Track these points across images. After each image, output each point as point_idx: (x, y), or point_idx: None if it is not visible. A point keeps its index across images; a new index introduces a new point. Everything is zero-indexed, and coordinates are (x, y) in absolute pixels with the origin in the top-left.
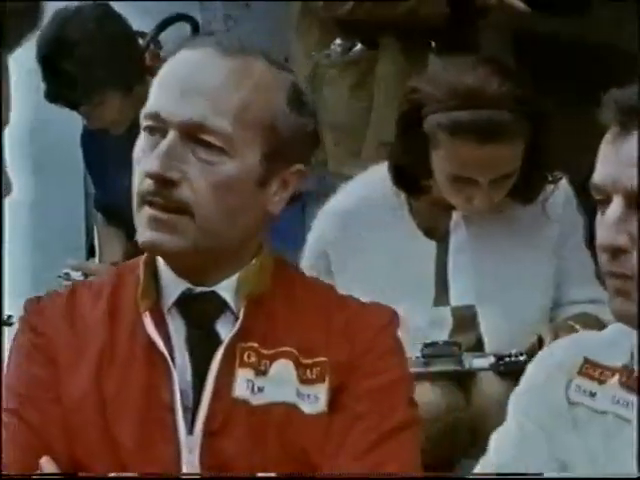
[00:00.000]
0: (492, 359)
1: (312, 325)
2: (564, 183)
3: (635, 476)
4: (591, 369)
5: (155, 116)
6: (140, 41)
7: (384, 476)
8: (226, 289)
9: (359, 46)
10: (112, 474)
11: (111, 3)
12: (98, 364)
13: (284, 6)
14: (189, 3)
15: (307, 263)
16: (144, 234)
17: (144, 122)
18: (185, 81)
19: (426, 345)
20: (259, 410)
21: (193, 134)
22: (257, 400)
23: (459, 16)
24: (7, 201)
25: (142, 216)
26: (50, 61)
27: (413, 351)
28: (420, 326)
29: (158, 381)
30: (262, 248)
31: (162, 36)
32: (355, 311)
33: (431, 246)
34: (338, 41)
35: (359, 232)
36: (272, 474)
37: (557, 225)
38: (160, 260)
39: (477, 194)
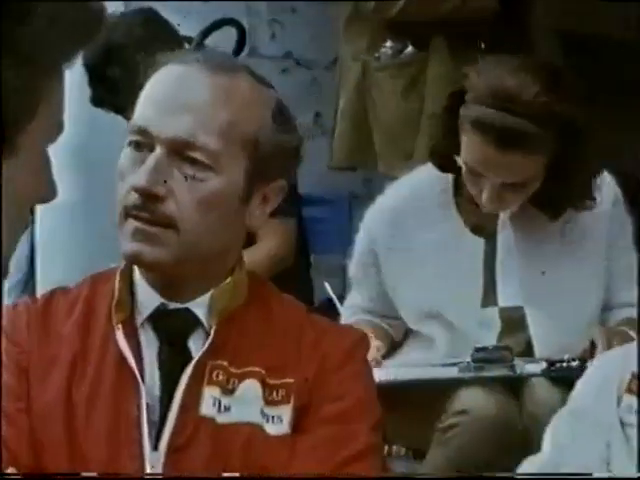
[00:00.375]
0: (544, 364)
1: (283, 344)
2: (613, 184)
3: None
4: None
5: (142, 131)
6: (186, 46)
7: None
8: (199, 306)
9: (410, 48)
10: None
11: (157, 8)
12: (69, 374)
13: (330, 10)
14: (235, 8)
15: (355, 262)
16: (127, 245)
17: (130, 136)
18: (173, 97)
19: (477, 350)
20: (224, 429)
21: (180, 150)
22: (223, 419)
23: (507, 11)
24: (52, 204)
25: (126, 228)
26: (96, 66)
27: (463, 354)
28: (468, 327)
29: (126, 395)
30: (238, 264)
31: (208, 41)
32: (325, 332)
33: (479, 243)
34: (389, 43)
35: (406, 229)
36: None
37: (606, 226)
38: (137, 273)
39: (486, 192)
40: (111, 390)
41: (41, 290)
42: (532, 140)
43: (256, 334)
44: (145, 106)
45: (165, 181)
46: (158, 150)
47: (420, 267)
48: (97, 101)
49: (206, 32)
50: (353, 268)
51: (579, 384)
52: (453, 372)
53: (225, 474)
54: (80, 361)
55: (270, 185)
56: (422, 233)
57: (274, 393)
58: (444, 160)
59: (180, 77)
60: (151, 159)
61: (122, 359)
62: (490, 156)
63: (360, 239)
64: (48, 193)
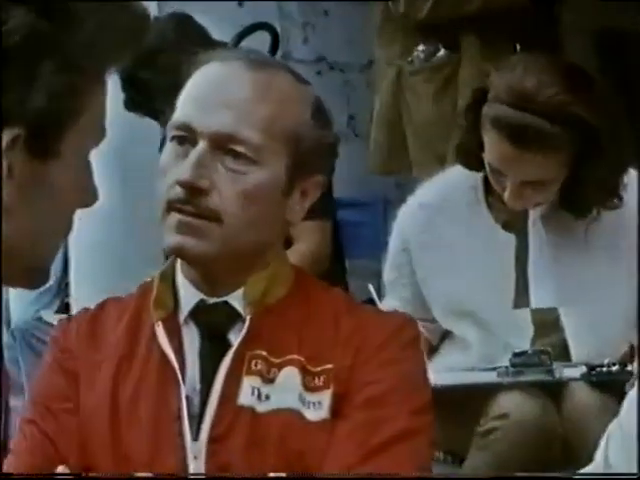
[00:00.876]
0: (584, 369)
1: (322, 331)
2: None
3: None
4: None
5: (185, 126)
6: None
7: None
8: (238, 298)
9: (442, 51)
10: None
11: (190, 12)
12: (115, 375)
13: (363, 13)
14: (268, 11)
15: (389, 263)
16: (171, 238)
17: (173, 132)
18: (215, 93)
19: (515, 354)
20: (263, 417)
21: (223, 144)
22: (262, 407)
23: (539, 9)
24: (91, 212)
25: (170, 221)
26: (129, 71)
27: (497, 357)
28: (501, 329)
29: (168, 390)
30: (278, 258)
31: (242, 45)
32: (365, 318)
33: (510, 239)
34: (421, 47)
35: (438, 227)
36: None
37: (636, 224)
38: (179, 271)
39: (508, 189)
40: (154, 387)
41: (74, 296)
42: (550, 139)
43: (295, 323)
44: (187, 103)
45: (208, 175)
46: (201, 144)
47: (452, 264)
48: (130, 105)
49: (240, 36)
50: (387, 270)
51: (629, 401)
52: (492, 377)
53: (271, 474)
54: (126, 362)
55: (309, 180)
56: (454, 230)
57: (316, 379)
58: (470, 158)
59: (221, 74)
60: (194, 153)
61: (164, 356)
62: (509, 154)
63: (393, 239)
64: (90, 198)
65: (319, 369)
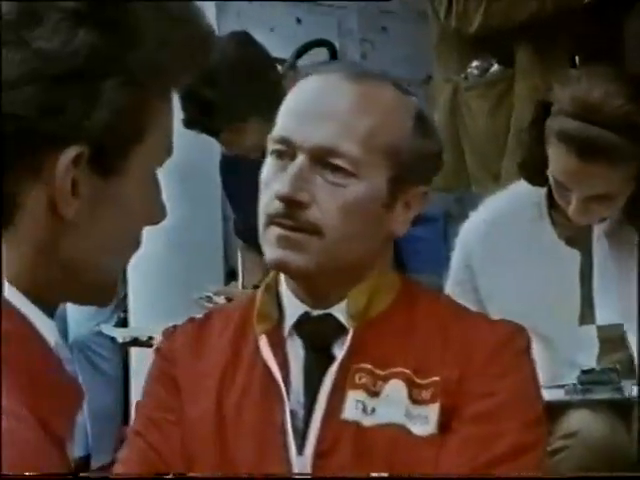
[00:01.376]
0: None
1: (428, 343)
2: None
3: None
4: None
5: (285, 140)
6: (279, 67)
7: None
8: (341, 311)
9: (496, 66)
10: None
11: (250, 30)
12: (220, 385)
13: (421, 29)
14: (327, 28)
15: (452, 280)
16: (272, 252)
17: (272, 146)
18: (315, 106)
19: (583, 372)
20: (369, 431)
21: (322, 158)
22: (368, 421)
23: (598, 20)
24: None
25: (270, 235)
26: (190, 89)
27: (562, 374)
28: (566, 346)
29: (272, 403)
30: (382, 268)
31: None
32: (472, 327)
33: (575, 254)
34: (475, 63)
35: (501, 243)
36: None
37: None
38: (283, 283)
39: (573, 204)
40: (258, 399)
41: (132, 310)
42: (616, 152)
43: (400, 334)
44: (286, 117)
45: (308, 188)
46: (300, 158)
47: (516, 280)
48: (191, 124)
49: (299, 53)
50: (450, 286)
51: None
52: (560, 394)
53: (373, 474)
54: (230, 373)
55: (412, 191)
56: (517, 246)
57: (423, 392)
58: (534, 173)
59: (321, 87)
60: (294, 167)
61: (267, 369)
62: (574, 168)
63: (456, 255)
64: (158, 214)
65: (426, 382)
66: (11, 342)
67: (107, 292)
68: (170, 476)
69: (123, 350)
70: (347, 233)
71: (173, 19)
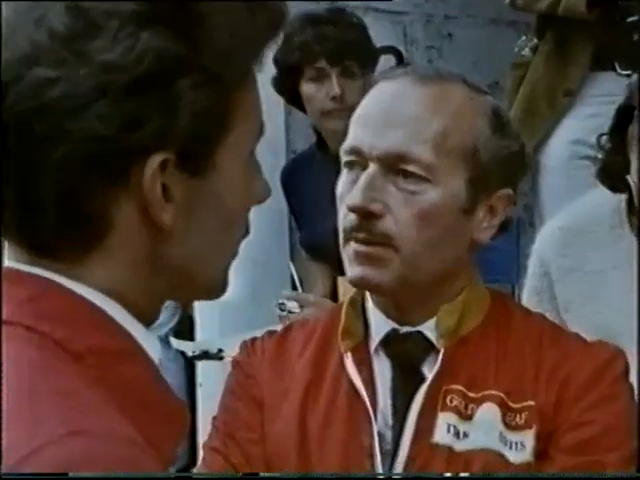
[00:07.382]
0: None
1: (521, 365)
2: None
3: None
4: None
5: (356, 151)
6: None
7: None
8: (430, 328)
9: (527, 47)
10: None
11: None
12: (303, 402)
13: (487, 35)
14: (392, 35)
15: (528, 288)
16: (352, 270)
17: (345, 157)
18: (384, 112)
19: None
20: (460, 456)
21: (394, 165)
22: (460, 446)
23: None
24: None
25: (348, 252)
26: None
27: None
28: None
29: (358, 423)
30: (471, 281)
31: None
32: (569, 351)
33: None
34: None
35: (579, 250)
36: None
37: None
38: (369, 299)
39: None
40: (343, 418)
41: (200, 325)
42: None
43: (492, 355)
44: (357, 126)
45: (380, 198)
46: (371, 167)
47: (595, 289)
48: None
49: None
50: (527, 295)
51: None
52: None
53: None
54: (313, 390)
55: (495, 195)
56: (595, 254)
57: (517, 417)
58: (614, 180)
59: (390, 92)
60: (364, 177)
61: (353, 387)
62: None
63: (532, 264)
64: (260, 193)
65: (520, 405)
66: (118, 361)
67: (220, 285)
68: None
69: (188, 362)
70: (425, 243)
71: (241, 8)
